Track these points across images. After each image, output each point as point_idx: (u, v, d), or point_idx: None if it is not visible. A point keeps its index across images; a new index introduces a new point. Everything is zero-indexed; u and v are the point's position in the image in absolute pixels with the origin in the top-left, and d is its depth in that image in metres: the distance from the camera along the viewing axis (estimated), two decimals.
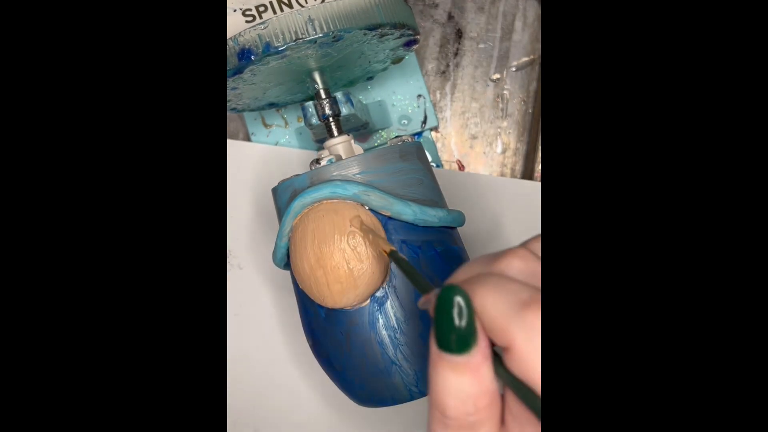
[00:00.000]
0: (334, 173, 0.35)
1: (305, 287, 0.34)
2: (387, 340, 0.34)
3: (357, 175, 0.34)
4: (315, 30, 0.34)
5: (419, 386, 0.34)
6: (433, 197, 0.36)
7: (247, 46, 0.34)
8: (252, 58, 0.34)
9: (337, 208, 0.34)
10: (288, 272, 0.38)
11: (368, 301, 0.34)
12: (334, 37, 0.34)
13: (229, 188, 0.46)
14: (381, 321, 0.34)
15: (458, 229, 0.38)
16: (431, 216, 0.34)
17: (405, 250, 0.34)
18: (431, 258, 0.34)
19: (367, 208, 0.34)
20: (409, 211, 0.34)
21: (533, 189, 0.46)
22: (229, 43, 0.34)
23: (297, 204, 0.34)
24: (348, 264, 0.33)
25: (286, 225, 0.35)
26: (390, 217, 0.34)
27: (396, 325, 0.34)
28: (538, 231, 0.45)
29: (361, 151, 0.38)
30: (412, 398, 0.34)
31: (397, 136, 0.47)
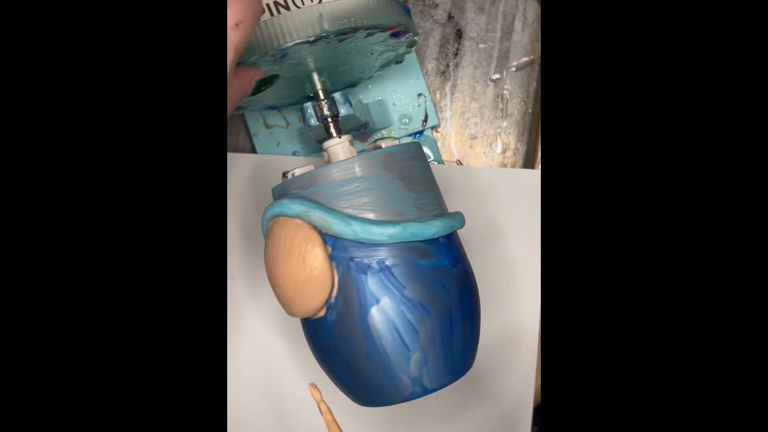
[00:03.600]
0: (292, 190, 0.34)
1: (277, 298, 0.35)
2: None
3: (312, 191, 0.34)
4: (314, 30, 0.34)
5: (419, 385, 0.34)
6: (402, 209, 0.34)
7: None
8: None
9: (287, 224, 0.34)
10: None
11: (323, 311, 0.34)
12: (332, 38, 0.34)
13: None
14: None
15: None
16: (377, 234, 0.33)
17: (352, 266, 0.33)
18: (379, 278, 0.33)
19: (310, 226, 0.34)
20: (349, 231, 0.33)
21: (533, 178, 0.45)
22: None
23: (264, 219, 0.35)
24: (297, 276, 0.33)
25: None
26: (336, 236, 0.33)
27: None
28: (538, 224, 0.45)
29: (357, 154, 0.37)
30: (412, 398, 0.34)
31: (375, 140, 0.46)
